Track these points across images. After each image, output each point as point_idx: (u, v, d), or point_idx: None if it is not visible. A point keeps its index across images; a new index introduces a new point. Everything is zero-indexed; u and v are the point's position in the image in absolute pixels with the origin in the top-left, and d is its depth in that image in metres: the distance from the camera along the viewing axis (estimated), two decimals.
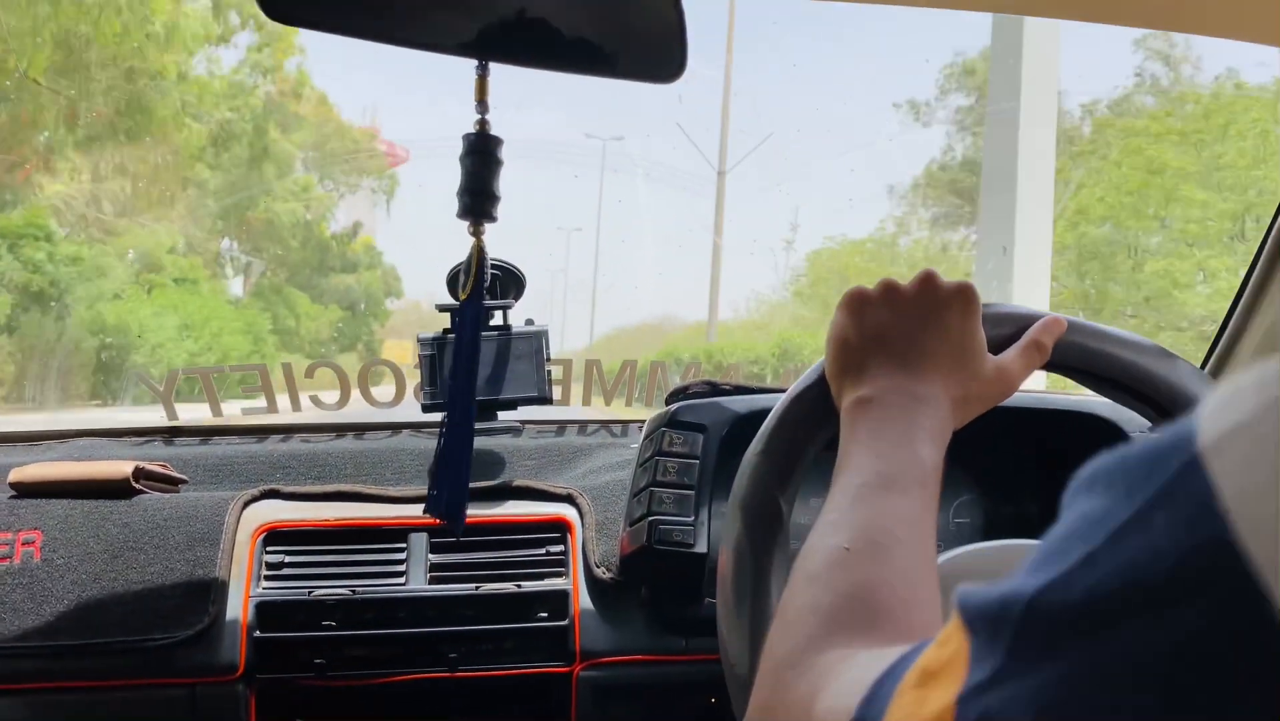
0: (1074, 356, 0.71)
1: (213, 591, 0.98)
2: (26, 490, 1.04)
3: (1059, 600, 0.26)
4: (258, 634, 0.97)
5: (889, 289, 0.64)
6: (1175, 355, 0.74)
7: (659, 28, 0.78)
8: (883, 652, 0.37)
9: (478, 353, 0.89)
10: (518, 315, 1.20)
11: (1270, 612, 0.22)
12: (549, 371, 1.18)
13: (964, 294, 0.64)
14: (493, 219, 0.79)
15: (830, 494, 0.56)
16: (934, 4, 1.09)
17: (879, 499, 0.53)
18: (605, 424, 1.37)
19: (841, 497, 0.54)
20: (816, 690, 0.40)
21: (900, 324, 0.63)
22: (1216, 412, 0.25)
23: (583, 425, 1.35)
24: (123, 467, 1.05)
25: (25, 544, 0.99)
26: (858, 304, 0.64)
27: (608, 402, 1.49)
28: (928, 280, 0.64)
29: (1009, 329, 0.69)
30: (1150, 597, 0.24)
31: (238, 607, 0.98)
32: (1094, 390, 0.76)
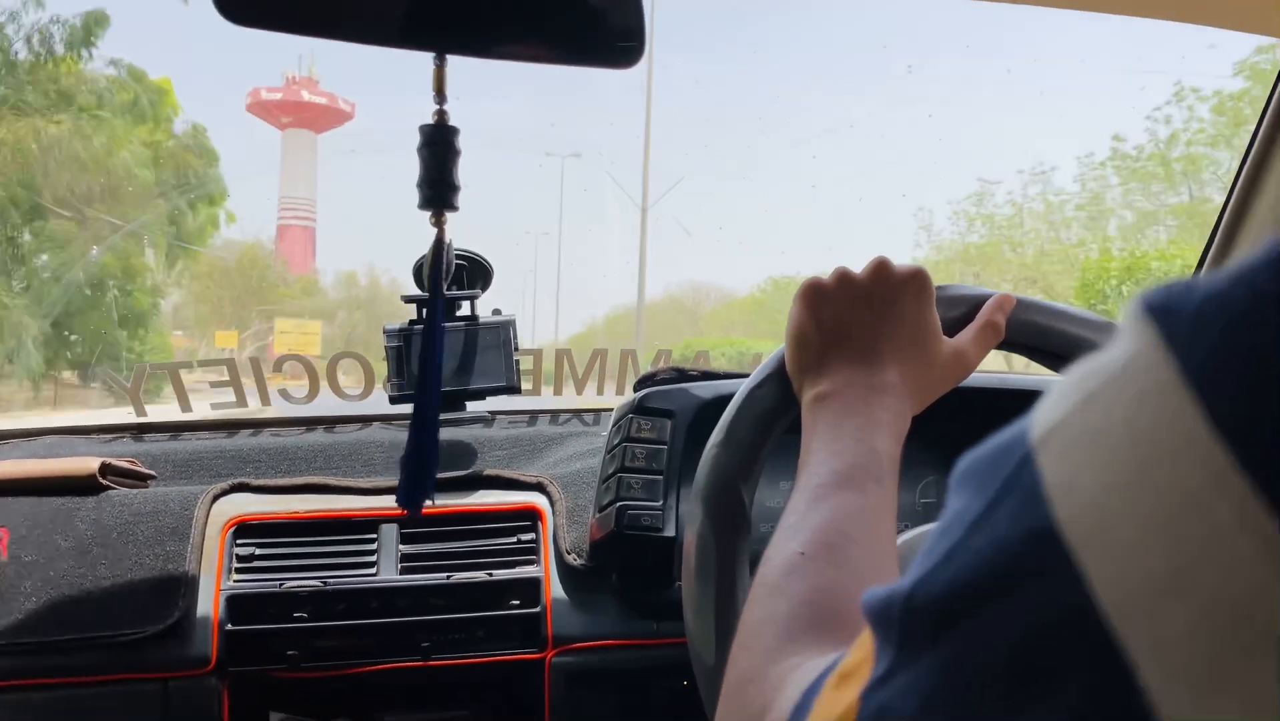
0: (1029, 334, 0.72)
1: (183, 585, 0.98)
2: None
3: (928, 595, 0.27)
4: (229, 627, 0.97)
5: (844, 279, 0.65)
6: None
7: (617, 13, 0.78)
8: (826, 659, 0.38)
9: (431, 345, 0.88)
10: (485, 307, 1.20)
11: (1087, 597, 0.23)
12: (517, 361, 1.19)
13: (917, 279, 0.64)
14: (454, 208, 0.79)
15: (792, 495, 0.56)
16: None
17: (833, 498, 0.53)
18: (577, 413, 1.37)
19: (799, 500, 0.55)
20: (769, 703, 0.41)
21: (856, 315, 0.63)
22: (1047, 408, 0.27)
23: (554, 414, 1.36)
24: (89, 464, 1.04)
25: None
26: (815, 296, 0.65)
27: (579, 392, 1.50)
28: (881, 268, 0.65)
29: (962, 309, 0.70)
30: (996, 587, 0.25)
31: (209, 601, 0.98)
32: (1049, 368, 0.77)
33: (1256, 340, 0.22)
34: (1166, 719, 0.21)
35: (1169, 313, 0.24)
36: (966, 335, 0.67)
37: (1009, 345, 0.73)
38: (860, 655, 0.31)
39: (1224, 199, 1.21)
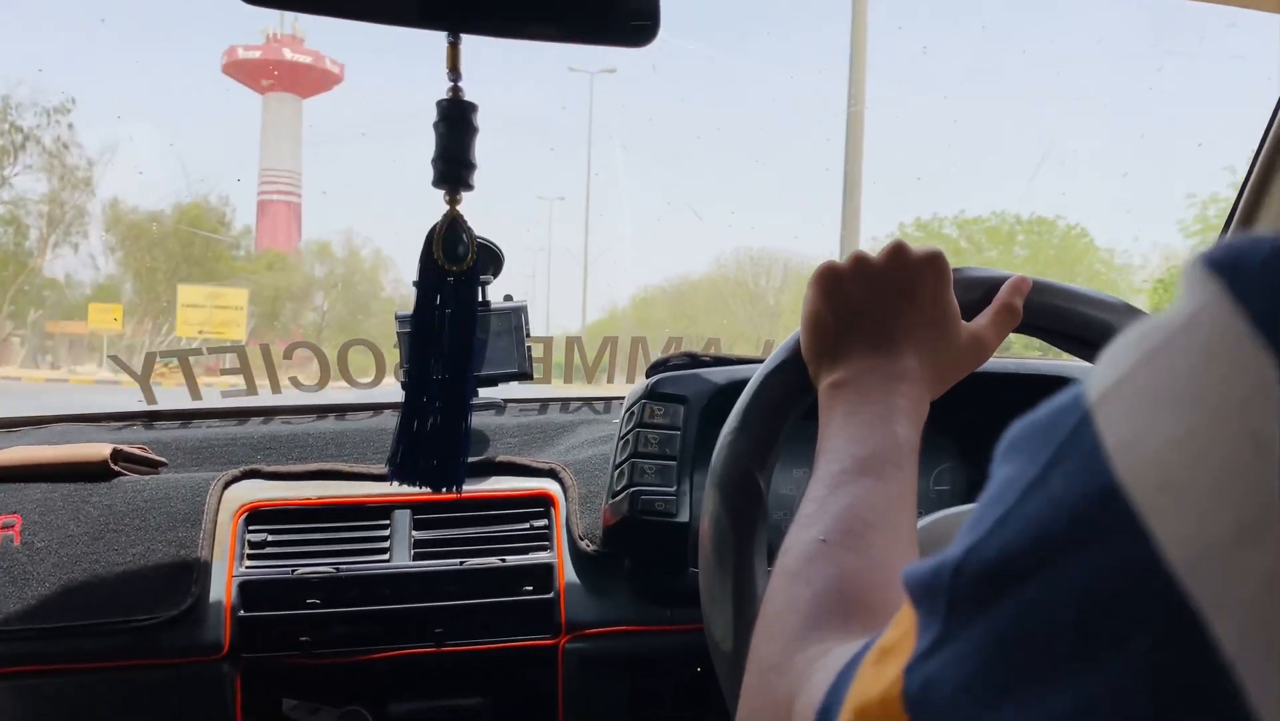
0: (1046, 317, 0.72)
1: (195, 571, 0.97)
2: (3, 474, 1.03)
3: (980, 562, 0.26)
4: (242, 613, 0.97)
5: (860, 262, 0.63)
6: (1145, 311, 0.74)
7: None
8: (855, 643, 0.38)
9: (471, 329, 0.88)
10: (496, 291, 1.19)
11: (1155, 554, 0.22)
12: (529, 347, 1.18)
13: (935, 263, 0.63)
14: (469, 187, 0.79)
15: (810, 482, 0.56)
16: None
17: (854, 485, 0.53)
18: (588, 400, 1.37)
19: (818, 487, 0.54)
20: (796, 690, 0.40)
21: (873, 300, 0.62)
22: (1102, 370, 0.26)
23: (565, 402, 1.36)
24: (101, 450, 1.04)
25: (4, 527, 0.98)
26: (831, 281, 0.64)
27: (589, 380, 1.49)
28: (898, 251, 0.63)
29: (978, 293, 0.69)
30: (1054, 549, 0.24)
31: (221, 587, 0.98)
32: (1066, 350, 0.76)
33: None
34: (1242, 673, 0.21)
35: (1235, 266, 0.24)
36: (983, 319, 0.66)
37: (1026, 328, 0.72)
38: (901, 630, 0.31)
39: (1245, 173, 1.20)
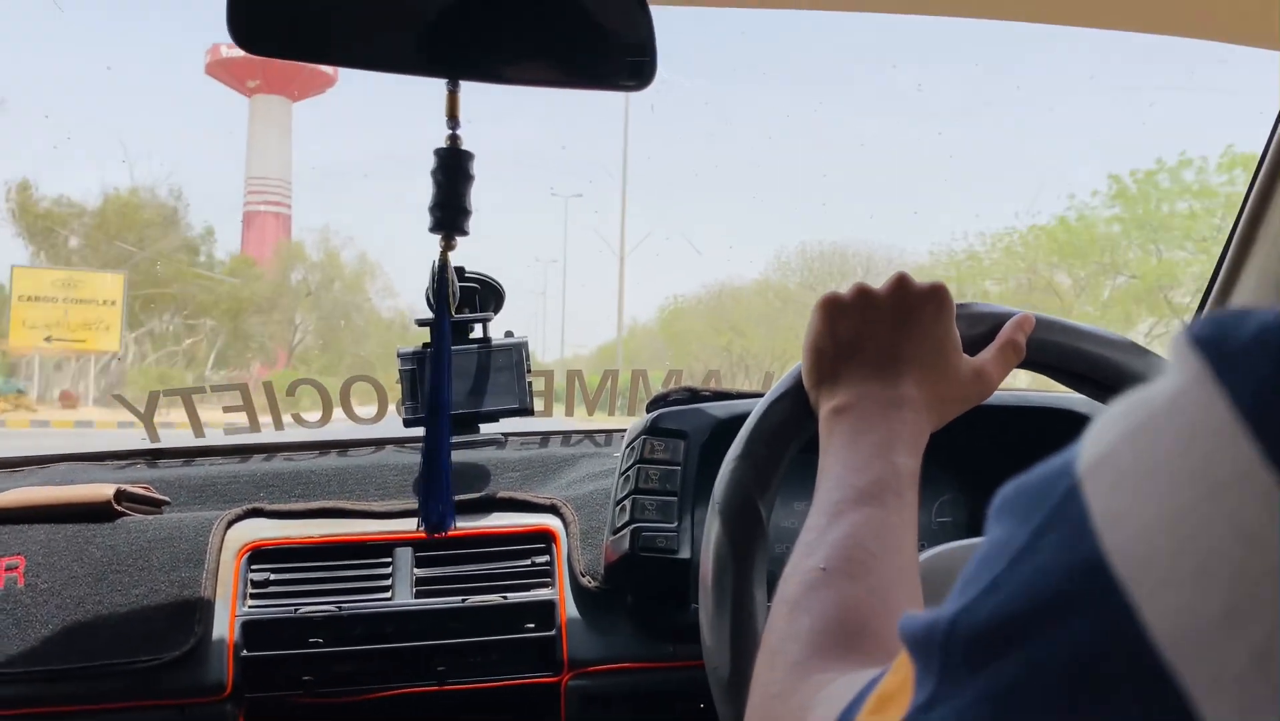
0: (1049, 354, 0.72)
1: (198, 611, 0.98)
2: (7, 516, 1.03)
3: (971, 626, 0.27)
4: (245, 653, 0.97)
5: (863, 293, 0.64)
6: (1148, 350, 0.75)
7: (629, 37, 0.79)
8: (858, 677, 0.38)
9: (441, 368, 0.90)
10: (498, 328, 1.20)
11: (1140, 629, 0.23)
12: (529, 383, 1.19)
13: (937, 295, 0.64)
14: (464, 232, 0.80)
15: (810, 510, 0.56)
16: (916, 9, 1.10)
17: (854, 513, 0.53)
18: (589, 434, 1.37)
19: (818, 515, 0.55)
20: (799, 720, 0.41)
21: (874, 329, 0.63)
22: (1092, 440, 0.27)
23: (566, 436, 1.36)
24: (104, 490, 1.04)
25: (8, 569, 0.99)
26: (832, 310, 0.65)
27: (590, 413, 1.50)
28: (901, 283, 0.64)
29: (984, 327, 0.69)
30: (1042, 618, 0.25)
31: (224, 627, 0.98)
32: (1070, 387, 0.77)
33: None
34: None
35: (1218, 345, 0.24)
36: (987, 354, 0.66)
37: (1030, 364, 0.72)
38: (898, 680, 0.31)
39: (1231, 226, 1.20)
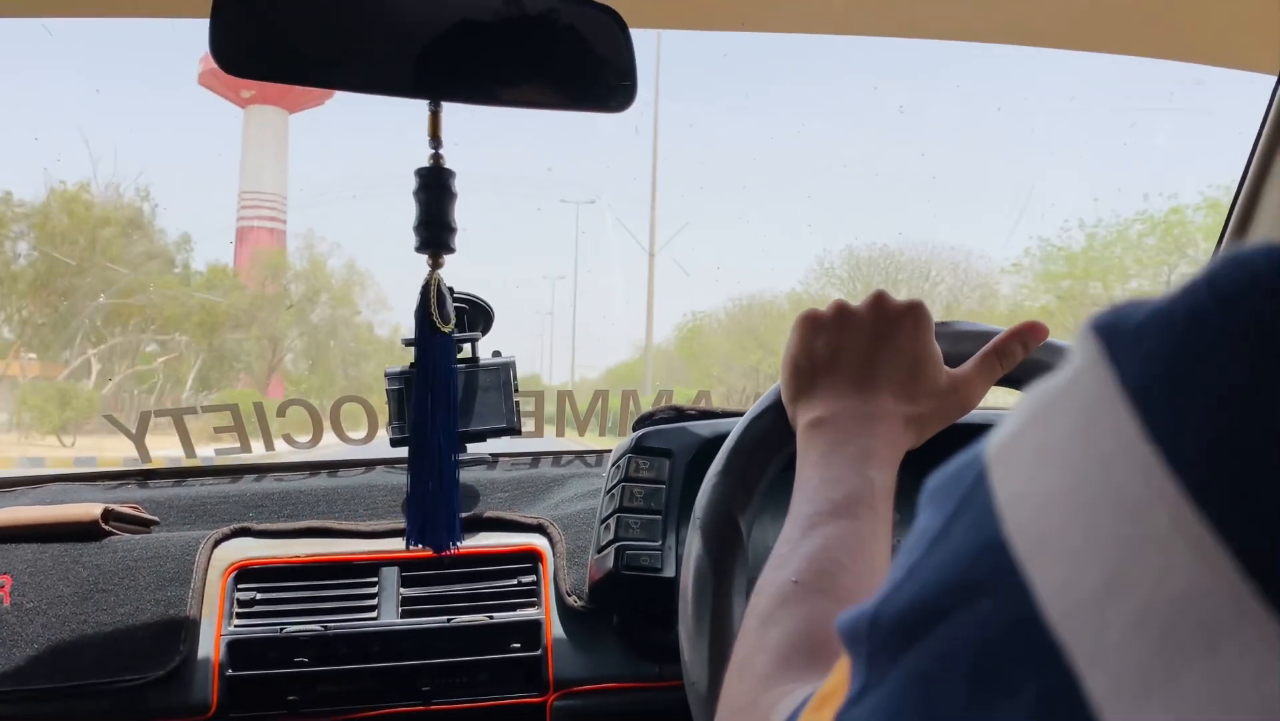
0: (1029, 371, 0.72)
1: (184, 631, 0.98)
2: None
3: (891, 613, 0.27)
4: (230, 672, 0.97)
5: (840, 310, 0.65)
6: None
7: (610, 59, 0.80)
8: (814, 686, 0.38)
9: (453, 383, 0.90)
10: (486, 348, 1.21)
11: (1034, 606, 0.23)
12: (517, 403, 1.19)
13: (915, 311, 0.64)
14: (450, 250, 0.81)
15: (785, 523, 0.56)
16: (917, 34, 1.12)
17: (827, 527, 0.53)
18: (579, 454, 1.37)
19: (792, 528, 0.55)
20: None
21: (852, 344, 0.63)
22: (1003, 426, 0.27)
23: (556, 456, 1.36)
24: (91, 510, 1.05)
25: None
26: (810, 326, 0.65)
27: (580, 433, 1.50)
28: (879, 299, 0.65)
29: (969, 345, 0.70)
30: (951, 601, 0.25)
31: (209, 646, 0.98)
32: None
33: (1192, 353, 0.23)
34: None
35: (1113, 328, 0.25)
36: (967, 366, 0.66)
37: (1011, 381, 0.72)
38: (838, 678, 0.32)
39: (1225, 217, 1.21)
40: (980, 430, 0.90)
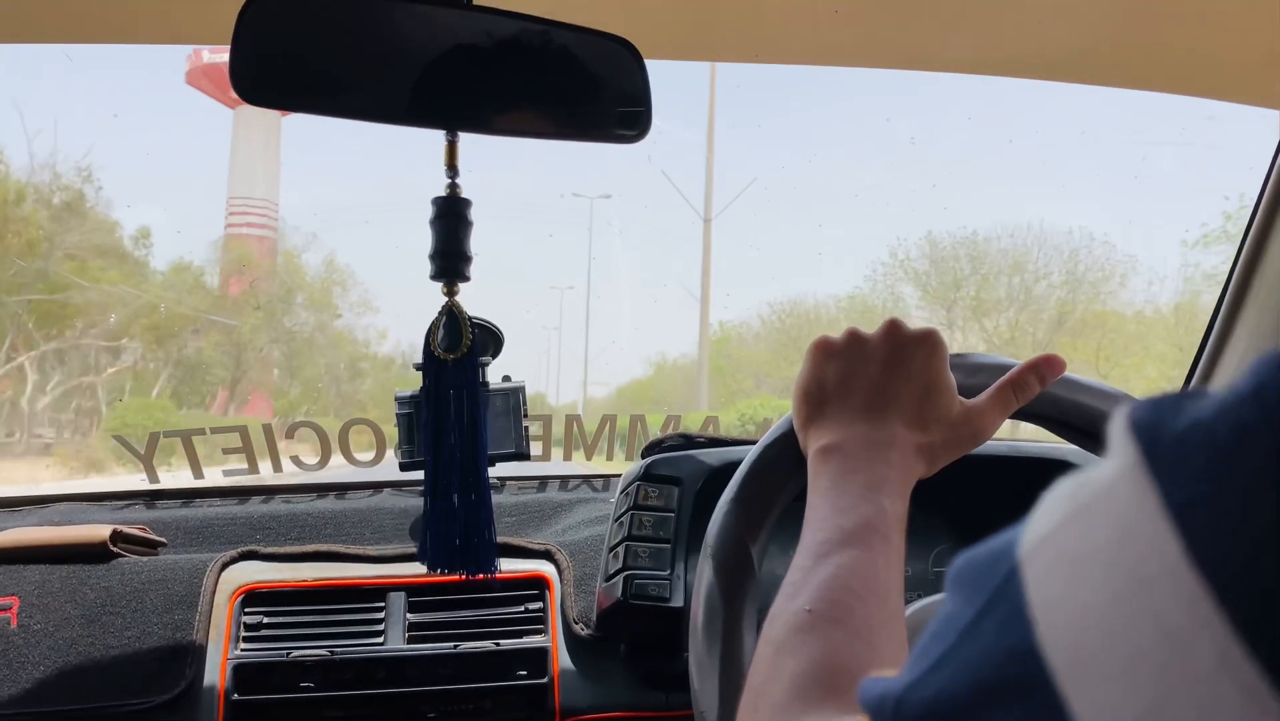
0: (1044, 404, 0.72)
1: (190, 654, 0.97)
2: (2, 556, 1.04)
3: (917, 702, 0.27)
4: (235, 697, 0.97)
5: (853, 337, 0.64)
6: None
7: (625, 90, 0.81)
8: None
9: (478, 408, 0.89)
10: (496, 372, 1.21)
11: (1066, 718, 0.22)
12: (527, 427, 1.19)
13: (929, 339, 0.64)
14: (466, 279, 0.81)
15: (797, 551, 0.56)
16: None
17: (840, 555, 0.53)
18: (586, 479, 1.37)
19: (804, 556, 0.54)
20: None
21: (864, 371, 0.63)
22: (1037, 520, 0.26)
23: (564, 480, 1.36)
24: (100, 531, 1.05)
25: (1, 610, 0.99)
26: (822, 353, 0.65)
27: (588, 458, 1.50)
28: (892, 327, 0.64)
29: (984, 378, 0.69)
30: (981, 701, 0.25)
31: (215, 670, 0.98)
32: (1066, 439, 0.77)
33: (1240, 476, 0.22)
34: None
35: (1153, 433, 0.24)
36: (982, 397, 0.65)
37: (1024, 414, 0.72)
38: None
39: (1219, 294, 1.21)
40: (994, 462, 0.90)
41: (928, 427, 0.61)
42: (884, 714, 0.28)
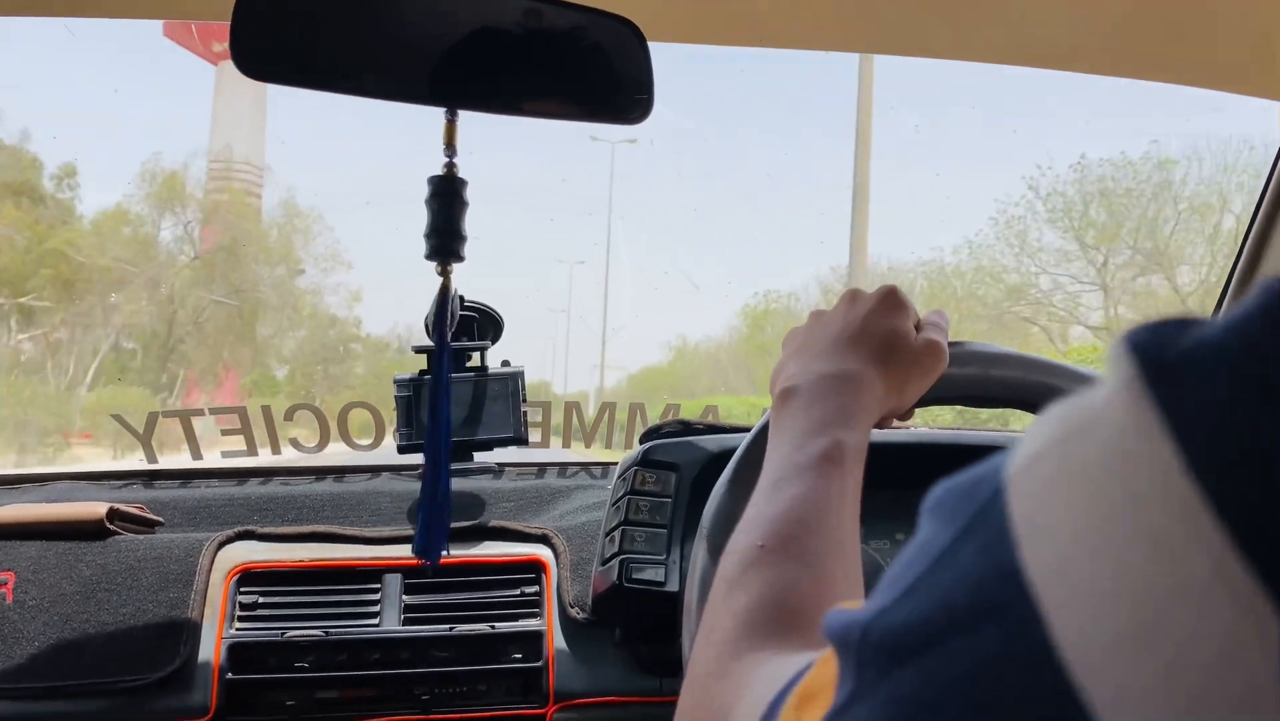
0: (1020, 390, 0.73)
1: (185, 633, 0.97)
2: None
3: (888, 626, 0.26)
4: (230, 676, 0.97)
5: (816, 314, 0.67)
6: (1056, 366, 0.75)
7: (628, 70, 0.81)
8: (790, 660, 0.38)
9: (447, 391, 0.90)
10: (495, 357, 1.21)
11: (1049, 642, 0.22)
12: (525, 413, 1.19)
13: (888, 295, 0.65)
14: (460, 258, 0.81)
15: (755, 490, 0.56)
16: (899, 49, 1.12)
17: (792, 488, 0.53)
18: (585, 466, 1.37)
19: (759, 494, 0.55)
20: (732, 702, 0.40)
21: (824, 333, 0.64)
22: (1023, 444, 0.26)
23: (562, 467, 1.36)
24: (96, 509, 1.05)
25: None
26: (790, 334, 0.67)
27: (587, 445, 1.50)
28: (851, 294, 0.67)
29: (973, 368, 0.70)
30: (954, 624, 0.24)
31: (210, 649, 0.98)
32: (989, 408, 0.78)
33: (1247, 390, 0.21)
34: None
35: (1155, 352, 0.23)
36: (927, 329, 0.67)
37: (1000, 402, 0.73)
38: (823, 678, 0.31)
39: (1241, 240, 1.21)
40: (958, 452, 0.89)
41: (891, 363, 0.62)
42: (850, 643, 0.28)
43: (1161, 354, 0.23)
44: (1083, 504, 0.23)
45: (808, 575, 0.48)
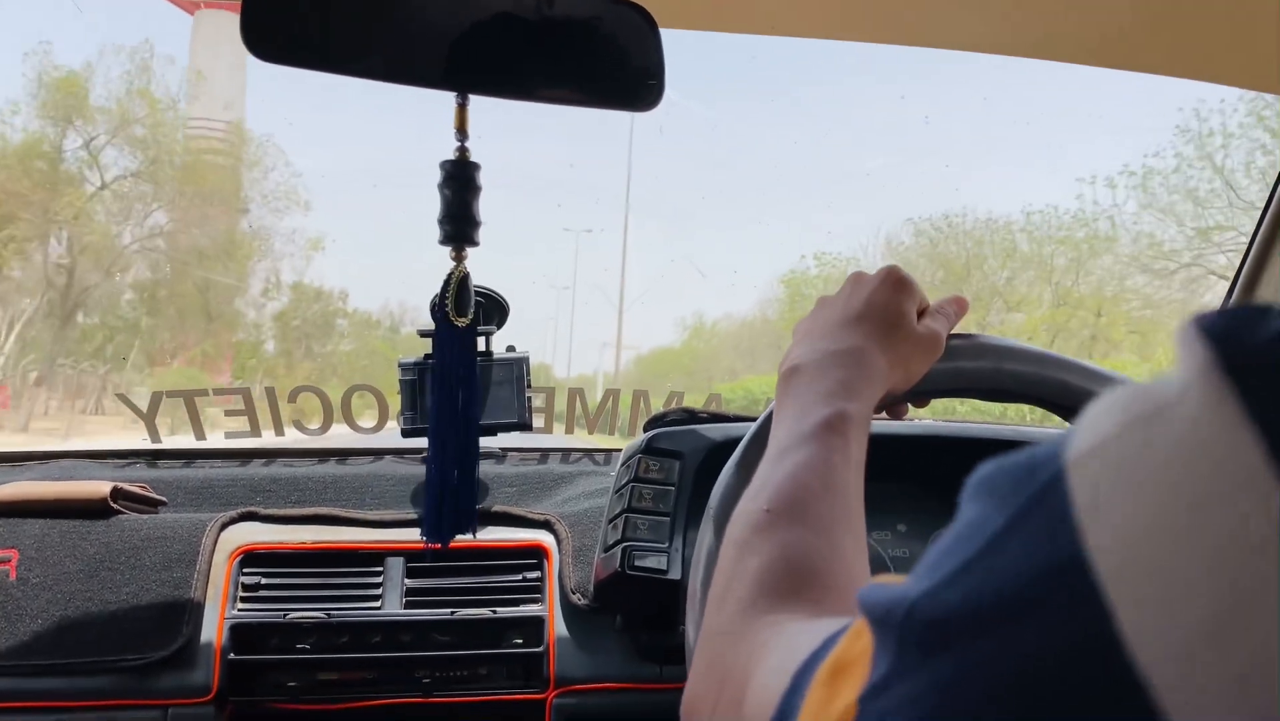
0: (1030, 385, 0.72)
1: (188, 612, 0.98)
2: (3, 509, 1.04)
3: (936, 607, 0.26)
4: (232, 656, 0.97)
5: (821, 300, 0.68)
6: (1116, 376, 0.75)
7: (637, 58, 0.80)
8: (809, 626, 0.38)
9: (474, 376, 0.90)
10: (500, 342, 1.21)
11: (1115, 635, 0.21)
12: (529, 398, 1.19)
13: (890, 274, 0.66)
14: (475, 243, 0.81)
15: (761, 460, 0.57)
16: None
17: (796, 454, 0.53)
18: (588, 452, 1.37)
19: (764, 464, 0.55)
20: (751, 666, 0.40)
21: (829, 316, 0.65)
22: (1084, 429, 0.25)
23: (565, 453, 1.36)
24: (100, 488, 1.05)
25: (1, 562, 0.99)
26: (798, 322, 0.68)
27: (590, 431, 1.50)
28: (854, 277, 0.67)
29: (986, 361, 0.70)
30: (1010, 609, 0.24)
31: (212, 629, 0.98)
32: (1059, 416, 0.77)
33: None
34: None
35: (1233, 341, 0.22)
36: (929, 315, 0.67)
37: (1007, 396, 0.73)
38: (856, 650, 0.30)
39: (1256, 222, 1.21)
40: (957, 444, 0.88)
41: (893, 340, 0.63)
42: (891, 621, 0.27)
43: (1240, 344, 0.22)
44: (1154, 493, 0.22)
45: (816, 539, 0.48)
